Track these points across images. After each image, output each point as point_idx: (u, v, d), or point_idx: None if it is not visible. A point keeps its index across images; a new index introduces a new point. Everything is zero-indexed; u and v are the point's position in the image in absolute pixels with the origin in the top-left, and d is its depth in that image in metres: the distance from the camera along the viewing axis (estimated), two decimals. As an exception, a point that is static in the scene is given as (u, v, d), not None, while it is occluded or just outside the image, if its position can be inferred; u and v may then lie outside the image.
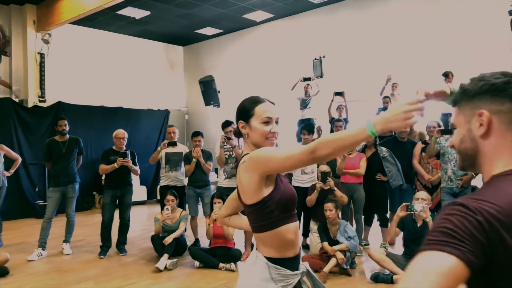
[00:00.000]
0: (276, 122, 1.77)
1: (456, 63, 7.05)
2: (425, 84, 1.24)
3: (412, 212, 4.10)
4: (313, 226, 5.18)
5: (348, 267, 4.59)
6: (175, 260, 5.01)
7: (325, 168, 5.17)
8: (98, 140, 9.67)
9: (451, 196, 4.87)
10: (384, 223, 5.58)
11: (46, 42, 9.22)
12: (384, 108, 7.08)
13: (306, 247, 5.40)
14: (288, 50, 10.05)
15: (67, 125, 5.79)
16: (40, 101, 9.24)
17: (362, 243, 5.52)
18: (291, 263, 1.72)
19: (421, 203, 4.19)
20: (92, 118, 9.85)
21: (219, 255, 4.94)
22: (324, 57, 9.15)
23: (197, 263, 4.95)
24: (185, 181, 6.00)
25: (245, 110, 1.77)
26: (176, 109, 12.36)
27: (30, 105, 9.10)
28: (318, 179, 5.22)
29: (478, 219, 0.83)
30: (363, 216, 5.61)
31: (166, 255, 4.95)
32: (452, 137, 1.16)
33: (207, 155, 5.83)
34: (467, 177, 4.83)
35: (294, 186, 1.90)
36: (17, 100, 9.03)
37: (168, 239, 5.08)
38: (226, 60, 11.53)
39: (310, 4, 9.36)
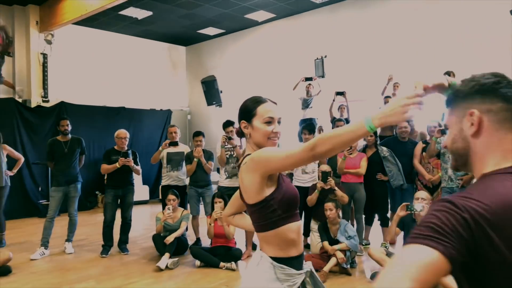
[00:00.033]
0: (278, 122, 1.77)
1: (457, 62, 7.03)
2: (423, 77, 1.23)
3: (412, 212, 4.09)
4: (314, 225, 5.20)
5: (348, 266, 4.61)
6: (176, 259, 5.04)
7: (325, 167, 5.18)
8: (101, 140, 9.72)
9: (452, 195, 4.87)
10: (384, 223, 5.59)
11: (49, 42, 9.27)
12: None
13: (306, 246, 5.42)
14: (290, 50, 10.06)
15: (69, 125, 5.83)
16: (43, 101, 9.29)
17: (363, 243, 5.53)
18: (295, 262, 1.72)
19: (421, 202, 4.18)
20: (94, 118, 9.90)
21: (220, 254, 4.97)
22: (325, 57, 9.16)
23: (198, 262, 4.97)
24: (187, 181, 6.02)
25: (247, 110, 1.78)
26: (179, 109, 12.39)
27: (33, 105, 9.15)
28: (319, 179, 5.24)
29: (464, 216, 0.85)
30: (363, 216, 5.62)
31: (167, 254, 4.98)
32: (445, 138, 1.18)
33: (208, 155, 5.85)
34: (467, 176, 4.83)
35: (295, 186, 1.90)
36: (20, 100, 9.08)
37: (170, 239, 5.11)
38: (228, 60, 11.56)
39: (311, 4, 9.37)
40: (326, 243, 4.71)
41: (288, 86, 8.77)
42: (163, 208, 5.47)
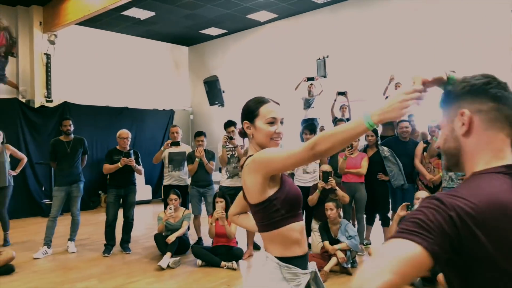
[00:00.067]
0: (281, 123, 1.77)
1: (459, 62, 7.03)
2: (422, 71, 1.23)
3: (413, 212, 4.11)
4: (315, 225, 5.22)
5: (349, 266, 4.62)
6: (177, 258, 5.07)
7: (326, 167, 5.20)
8: (104, 140, 9.77)
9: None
10: (385, 223, 5.59)
11: (52, 43, 9.33)
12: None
13: (308, 246, 5.42)
14: (292, 50, 10.08)
15: (72, 125, 5.87)
16: (47, 101, 9.35)
17: (364, 243, 5.54)
18: (300, 261, 1.72)
19: (421, 202, 4.20)
20: (97, 118, 9.96)
21: (221, 253, 4.99)
22: (327, 57, 9.20)
23: (199, 262, 5.00)
24: (188, 181, 6.05)
25: (250, 111, 1.78)
26: (181, 109, 12.43)
27: (36, 105, 9.21)
28: (320, 179, 5.25)
29: (451, 214, 0.87)
30: (364, 216, 5.63)
31: (169, 254, 5.01)
32: (438, 139, 1.20)
33: (210, 155, 5.88)
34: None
35: (296, 186, 1.91)
36: (23, 100, 9.15)
37: (171, 238, 5.14)
38: (230, 60, 11.58)
39: (313, 4, 9.38)
40: (326, 243, 4.72)
41: (290, 86, 8.79)
42: (165, 208, 5.50)
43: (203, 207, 5.97)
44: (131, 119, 10.59)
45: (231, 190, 5.55)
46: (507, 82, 1.09)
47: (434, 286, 4.02)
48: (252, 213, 1.80)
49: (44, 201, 8.80)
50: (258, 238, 5.57)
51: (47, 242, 5.60)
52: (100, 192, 9.84)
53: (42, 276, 4.71)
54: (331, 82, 8.74)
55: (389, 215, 5.68)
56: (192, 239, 5.90)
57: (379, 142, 5.77)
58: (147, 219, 8.31)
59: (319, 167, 5.43)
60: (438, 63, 7.33)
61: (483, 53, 6.98)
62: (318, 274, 1.83)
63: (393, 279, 0.81)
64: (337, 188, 5.09)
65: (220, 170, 7.55)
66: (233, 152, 5.65)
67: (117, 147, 5.76)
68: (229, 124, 5.77)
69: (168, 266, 4.88)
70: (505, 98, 1.03)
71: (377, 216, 5.79)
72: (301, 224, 1.77)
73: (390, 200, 5.69)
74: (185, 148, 6.15)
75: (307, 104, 8.45)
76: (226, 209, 4.99)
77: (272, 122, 1.74)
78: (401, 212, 4.16)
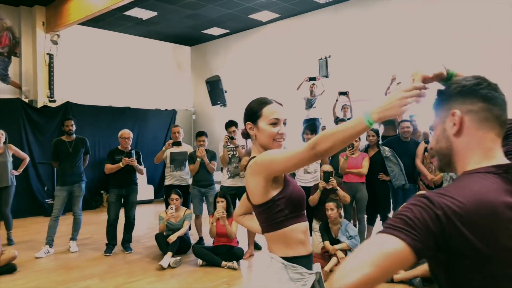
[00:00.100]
0: (284, 124, 1.76)
1: (462, 62, 7.02)
2: (422, 68, 1.22)
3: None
4: (315, 225, 5.22)
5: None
6: (178, 258, 5.09)
7: (327, 167, 5.20)
8: (106, 140, 9.80)
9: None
10: (386, 223, 5.58)
11: (55, 43, 9.36)
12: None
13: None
14: (294, 50, 10.07)
15: (74, 125, 5.90)
16: (50, 101, 9.39)
17: (365, 243, 5.53)
18: (305, 261, 1.71)
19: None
20: (100, 118, 9.99)
21: (222, 253, 5.00)
22: (329, 56, 9.19)
23: (200, 261, 5.01)
24: (190, 181, 6.07)
25: (253, 112, 1.78)
26: (184, 109, 12.45)
27: (39, 105, 9.24)
28: (321, 179, 5.25)
29: (437, 212, 0.89)
30: (365, 216, 5.62)
31: (170, 253, 5.03)
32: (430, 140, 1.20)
33: (211, 155, 5.89)
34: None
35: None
36: (26, 100, 9.18)
37: (172, 238, 5.15)
38: (233, 60, 11.59)
39: (315, 4, 9.37)
40: (327, 243, 4.73)
41: (292, 86, 8.80)
42: (167, 208, 5.52)
43: (205, 207, 5.99)
44: (134, 119, 10.62)
45: (232, 190, 5.57)
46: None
47: (434, 286, 4.02)
48: (256, 214, 1.79)
49: (46, 200, 8.84)
50: (258, 238, 5.59)
51: (49, 242, 5.62)
52: (102, 191, 9.87)
53: (44, 275, 4.74)
54: (333, 82, 8.74)
55: (390, 215, 5.67)
56: (194, 238, 5.91)
57: (380, 142, 5.76)
58: (149, 218, 8.33)
59: (320, 167, 5.43)
60: (440, 62, 7.31)
61: (483, 53, 6.97)
62: (322, 276, 1.82)
63: (372, 272, 0.84)
64: (338, 188, 5.10)
65: (222, 170, 7.59)
66: (234, 152, 5.66)
67: (119, 147, 5.78)
68: (230, 124, 5.78)
69: (169, 265, 4.90)
70: (495, 98, 1.05)
71: (378, 216, 5.79)
72: (305, 224, 1.76)
73: (391, 200, 5.69)
74: (186, 148, 6.16)
75: (309, 104, 8.45)
76: (227, 209, 5.01)
77: (275, 123, 1.73)
78: (401, 212, 4.15)
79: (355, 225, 5.58)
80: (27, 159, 6.56)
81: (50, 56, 9.39)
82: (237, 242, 5.25)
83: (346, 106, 7.86)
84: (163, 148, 5.99)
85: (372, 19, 8.77)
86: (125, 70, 11.02)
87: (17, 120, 8.69)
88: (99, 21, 9.80)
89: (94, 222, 7.77)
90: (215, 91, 11.05)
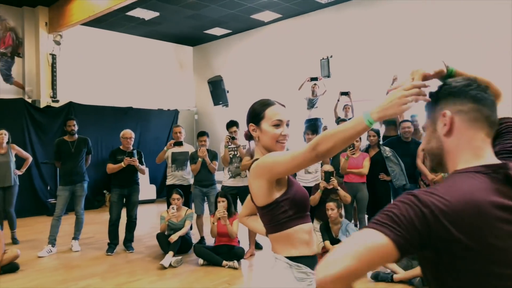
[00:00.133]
0: (287, 125, 1.76)
1: (464, 62, 7.01)
2: (422, 65, 1.21)
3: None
4: (316, 225, 5.23)
5: (350, 266, 4.62)
6: (179, 257, 5.11)
7: (328, 167, 5.21)
8: (109, 140, 9.85)
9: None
10: (387, 223, 5.59)
11: (58, 43, 9.41)
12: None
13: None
14: (296, 50, 10.08)
15: (76, 125, 5.94)
16: (53, 101, 9.44)
17: (366, 242, 5.54)
18: (310, 261, 1.70)
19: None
20: (102, 118, 10.04)
21: (223, 253, 5.02)
22: (331, 56, 9.19)
23: (201, 261, 5.03)
24: (191, 180, 6.09)
25: (256, 113, 1.77)
26: (186, 109, 12.48)
27: (42, 105, 9.30)
28: (321, 179, 5.27)
29: (424, 210, 0.91)
30: (366, 216, 5.63)
31: (171, 253, 5.05)
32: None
33: (213, 155, 5.91)
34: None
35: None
36: (29, 100, 9.24)
37: (174, 237, 5.17)
38: (235, 60, 11.61)
39: (317, 4, 9.38)
40: (327, 243, 4.74)
41: (293, 86, 8.81)
42: (168, 207, 5.55)
43: (206, 206, 6.01)
44: (136, 119, 10.67)
45: (233, 189, 5.59)
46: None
47: (434, 286, 4.02)
48: (260, 216, 1.79)
49: (49, 200, 8.88)
50: (259, 237, 5.60)
51: (52, 241, 5.66)
52: (105, 191, 9.90)
53: (46, 274, 4.77)
54: (335, 82, 8.74)
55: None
56: (195, 238, 5.93)
57: (381, 142, 5.76)
58: (151, 218, 8.36)
59: (321, 167, 5.44)
60: (439, 59, 7.31)
61: (485, 53, 6.96)
62: None
63: (354, 265, 0.87)
64: (338, 188, 5.11)
65: (223, 169, 7.61)
66: (235, 152, 5.68)
67: (121, 147, 5.81)
68: (231, 124, 5.80)
69: (170, 265, 4.92)
70: (484, 99, 1.07)
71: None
72: (309, 225, 1.76)
73: (391, 200, 5.68)
74: (188, 148, 6.19)
75: (311, 104, 8.46)
76: (228, 209, 5.03)
77: (278, 124, 1.73)
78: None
79: (355, 225, 5.59)
80: (30, 159, 6.61)
81: (53, 56, 9.44)
82: (238, 241, 5.27)
83: (348, 106, 7.87)
84: (165, 148, 6.02)
85: (374, 19, 8.77)
86: (127, 70, 11.06)
87: (20, 120, 8.74)
88: (102, 22, 9.84)
89: (97, 222, 7.80)
90: (217, 91, 11.07)
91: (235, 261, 4.90)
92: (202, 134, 5.96)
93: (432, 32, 7.87)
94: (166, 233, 5.39)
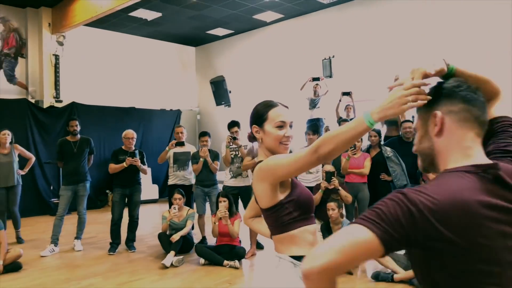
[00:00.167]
0: (290, 126, 1.76)
1: (465, 62, 7.00)
2: (422, 64, 1.20)
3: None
4: (317, 225, 5.23)
5: (351, 265, 4.63)
6: (181, 257, 5.14)
7: (329, 167, 5.22)
8: (111, 140, 9.87)
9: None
10: (388, 223, 5.59)
11: (61, 44, 9.47)
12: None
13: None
14: (298, 50, 10.10)
15: (78, 126, 5.97)
16: (56, 102, 9.49)
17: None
18: None
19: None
20: (105, 118, 10.08)
21: (224, 252, 5.04)
22: (333, 57, 9.21)
23: (202, 260, 5.06)
24: (193, 180, 6.12)
25: (259, 115, 1.77)
26: (188, 109, 12.52)
27: (45, 105, 9.35)
28: (322, 179, 5.28)
29: (411, 208, 0.93)
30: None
31: (172, 252, 5.08)
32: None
33: (214, 155, 5.94)
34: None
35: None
36: (33, 101, 9.29)
37: (175, 237, 5.20)
38: (237, 60, 11.63)
39: (319, 4, 9.39)
40: (328, 243, 4.74)
41: (295, 86, 8.82)
42: (170, 207, 5.57)
43: (208, 206, 6.03)
44: (139, 119, 10.70)
45: (235, 189, 5.61)
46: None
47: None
48: (264, 217, 1.80)
49: (52, 200, 8.93)
50: (260, 237, 5.62)
51: (54, 240, 5.70)
52: (107, 191, 9.94)
53: (49, 274, 4.81)
54: (337, 82, 8.75)
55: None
56: (197, 238, 5.96)
57: (382, 143, 5.77)
58: (153, 218, 8.38)
59: (322, 167, 5.45)
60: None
61: (487, 53, 6.95)
62: None
63: (338, 259, 0.90)
64: (340, 188, 5.12)
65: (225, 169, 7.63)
66: (237, 152, 5.70)
67: (123, 147, 5.84)
68: (232, 124, 5.82)
69: (171, 264, 4.95)
70: (474, 100, 1.09)
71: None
72: (314, 226, 1.77)
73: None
74: (189, 148, 6.22)
75: (313, 104, 8.47)
76: (229, 209, 5.06)
77: (281, 126, 1.73)
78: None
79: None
80: (33, 159, 6.65)
81: (56, 57, 9.49)
82: (239, 241, 5.29)
83: (349, 106, 7.87)
84: (167, 148, 6.05)
85: (376, 19, 8.77)
86: (130, 71, 11.10)
87: (23, 120, 8.80)
88: (104, 22, 9.89)
89: (99, 222, 7.84)
90: (220, 91, 11.11)
91: (236, 261, 4.92)
92: (203, 134, 5.99)
93: (434, 32, 7.87)
94: (167, 232, 5.41)
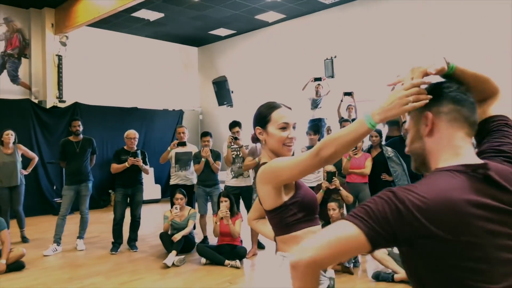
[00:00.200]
0: (294, 128, 1.75)
1: (467, 61, 7.00)
2: (423, 63, 1.19)
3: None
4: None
5: (351, 265, 4.65)
6: (182, 256, 5.16)
7: (330, 167, 5.23)
8: (114, 140, 9.89)
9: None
10: (389, 223, 5.60)
11: (64, 44, 9.53)
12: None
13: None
14: (300, 50, 10.11)
15: (81, 126, 6.01)
16: (59, 102, 9.54)
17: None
18: None
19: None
20: (108, 118, 10.13)
21: (226, 252, 5.06)
22: (335, 57, 9.22)
23: (203, 260, 5.08)
24: (195, 180, 6.14)
25: (262, 116, 1.77)
26: (191, 109, 12.54)
27: (48, 106, 9.40)
28: (324, 179, 5.29)
29: (399, 207, 0.95)
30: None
31: (174, 252, 5.10)
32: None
33: (216, 155, 5.96)
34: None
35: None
36: (36, 101, 9.34)
37: (177, 236, 5.22)
38: (239, 60, 11.65)
39: (321, 5, 9.40)
40: (329, 243, 4.75)
41: (297, 86, 8.83)
42: (172, 207, 5.59)
43: (209, 206, 6.05)
44: (141, 119, 10.74)
45: (236, 189, 5.63)
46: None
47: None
48: (268, 219, 1.79)
49: (55, 199, 8.98)
50: (261, 237, 5.63)
51: (57, 240, 5.73)
52: (110, 191, 9.96)
53: (50, 273, 4.84)
54: (339, 82, 8.76)
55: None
56: (198, 238, 5.98)
57: (383, 143, 5.78)
58: (156, 218, 8.40)
59: (323, 167, 5.47)
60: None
61: (487, 52, 6.94)
62: (334, 284, 1.81)
63: (325, 253, 0.94)
64: (341, 188, 5.14)
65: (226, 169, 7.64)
66: (238, 152, 5.72)
67: (125, 147, 5.87)
68: (234, 124, 5.84)
69: (173, 264, 4.97)
70: (464, 100, 1.12)
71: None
72: (318, 228, 1.76)
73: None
74: (191, 148, 6.24)
75: (315, 104, 8.49)
76: (231, 209, 5.08)
77: (284, 127, 1.73)
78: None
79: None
80: (36, 158, 6.69)
81: (59, 57, 9.54)
82: (241, 241, 5.31)
83: (351, 107, 7.89)
84: (168, 148, 6.08)
85: (378, 20, 8.77)
86: (132, 71, 11.14)
87: (26, 121, 8.85)
88: (107, 23, 9.93)
89: (102, 221, 7.87)
90: (222, 91, 11.13)
91: (237, 261, 4.94)
92: (205, 134, 6.01)
93: (435, 31, 7.86)
94: (169, 232, 5.44)
